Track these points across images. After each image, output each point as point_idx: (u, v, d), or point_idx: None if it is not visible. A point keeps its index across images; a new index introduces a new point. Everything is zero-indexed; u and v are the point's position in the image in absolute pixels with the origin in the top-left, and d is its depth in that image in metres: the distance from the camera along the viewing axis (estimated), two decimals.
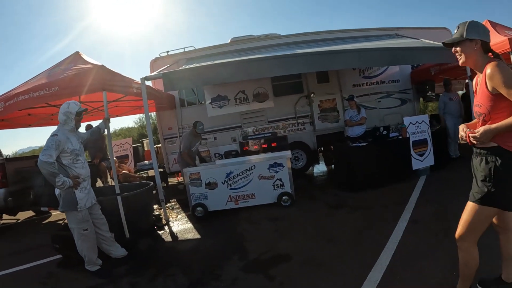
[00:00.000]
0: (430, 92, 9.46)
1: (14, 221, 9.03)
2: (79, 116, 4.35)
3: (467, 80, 8.98)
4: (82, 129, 5.00)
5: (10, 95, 5.86)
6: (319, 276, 3.50)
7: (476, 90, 2.38)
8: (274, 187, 6.14)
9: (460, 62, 2.36)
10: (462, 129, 2.42)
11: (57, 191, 4.21)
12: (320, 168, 10.27)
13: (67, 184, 4.02)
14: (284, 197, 6.10)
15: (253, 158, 6.40)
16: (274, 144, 7.44)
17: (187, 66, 7.07)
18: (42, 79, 5.84)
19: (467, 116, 8.50)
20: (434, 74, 8.71)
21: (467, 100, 8.38)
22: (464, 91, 9.53)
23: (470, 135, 2.28)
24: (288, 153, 6.30)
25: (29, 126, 8.73)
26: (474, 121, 2.50)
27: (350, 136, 7.89)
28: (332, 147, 9.54)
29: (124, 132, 33.25)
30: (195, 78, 6.27)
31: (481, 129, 2.22)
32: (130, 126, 35.44)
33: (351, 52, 6.57)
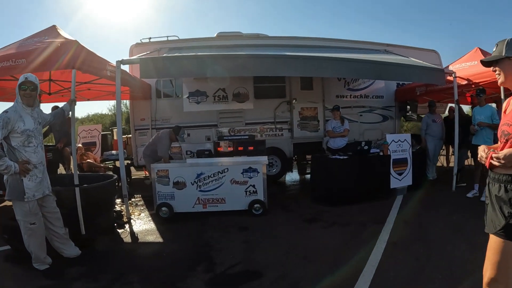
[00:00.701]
0: (410, 112, 9.36)
1: None
2: (24, 90, 3.71)
3: (451, 104, 8.95)
4: (48, 110, 4.48)
5: None
6: None
7: (506, 110, 2.14)
8: (246, 193, 5.79)
9: (499, 82, 2.15)
10: (483, 150, 2.15)
11: (5, 177, 3.68)
12: (293, 176, 10.00)
13: (12, 169, 3.51)
14: (256, 205, 5.75)
15: (227, 160, 6.02)
16: (251, 148, 7.08)
17: (168, 55, 6.67)
18: (11, 49, 5.32)
19: (447, 140, 8.44)
20: (419, 94, 8.56)
21: (448, 123, 8.31)
22: (447, 114, 9.46)
23: (493, 155, 2.01)
24: (264, 158, 5.95)
25: None
26: (495, 145, 2.24)
27: (331, 147, 7.63)
28: (309, 156, 9.37)
29: (96, 118, 32.26)
30: (175, 68, 5.85)
31: (506, 150, 1.97)
32: (103, 112, 34.41)
33: (340, 61, 6.33)
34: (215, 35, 8.97)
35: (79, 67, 4.91)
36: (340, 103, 8.70)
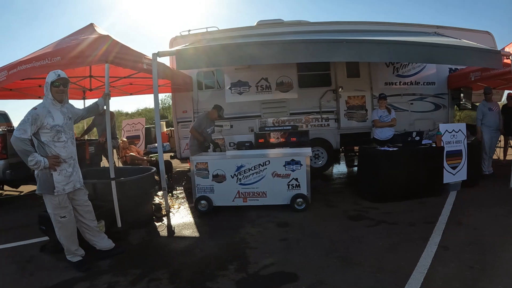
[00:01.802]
0: (464, 100, 8.70)
1: (17, 193, 8.81)
2: (56, 87, 3.71)
3: (509, 91, 8.22)
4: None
5: (14, 63, 5.57)
6: None
7: None
8: (288, 187, 5.51)
9: None
10: None
11: (35, 171, 3.69)
12: (340, 169, 9.61)
13: (41, 164, 3.50)
14: (298, 200, 5.47)
15: (269, 152, 5.77)
16: (293, 139, 6.80)
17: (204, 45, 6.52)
18: (48, 49, 5.46)
19: (505, 130, 7.75)
20: (473, 80, 7.87)
21: (506, 112, 7.62)
22: (505, 102, 8.69)
23: None
24: (308, 150, 5.65)
25: (39, 98, 8.44)
26: None
27: (378, 138, 7.22)
28: (357, 148, 8.93)
29: (145, 112, 33.18)
30: (211, 58, 5.65)
31: None
32: (152, 106, 35.30)
33: (388, 44, 5.81)
34: (255, 23, 8.74)
35: (112, 61, 4.89)
36: (388, 90, 8.26)
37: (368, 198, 5.94)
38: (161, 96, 32.78)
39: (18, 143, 3.41)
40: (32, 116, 3.49)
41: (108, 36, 4.87)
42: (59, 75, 3.73)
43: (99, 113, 5.00)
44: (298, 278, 3.33)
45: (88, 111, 4.40)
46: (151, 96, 7.52)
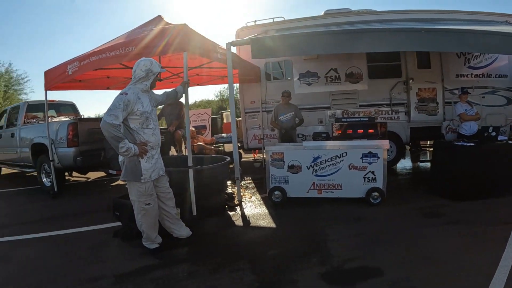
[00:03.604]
0: None
1: (85, 179, 9.16)
2: (156, 75, 3.84)
3: None
4: None
5: (86, 54, 5.72)
6: None
7: None
8: (364, 180, 5.33)
9: None
10: None
11: (120, 158, 3.74)
12: (405, 164, 9.25)
13: (132, 151, 3.52)
14: (374, 193, 5.27)
15: (346, 144, 5.58)
16: (371, 131, 6.58)
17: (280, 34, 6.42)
18: (120, 39, 5.57)
19: None
20: None
21: None
22: None
23: None
24: (386, 142, 5.42)
25: (107, 88, 8.78)
26: None
27: (466, 134, 6.80)
28: (423, 142, 8.54)
29: (203, 104, 33.93)
30: (288, 47, 5.57)
31: None
32: (210, 98, 35.98)
33: (464, 33, 5.40)
34: (322, 13, 8.54)
35: (191, 50, 4.90)
36: (460, 83, 7.79)
37: (443, 194, 5.62)
38: (220, 87, 33.30)
39: (109, 128, 3.42)
40: (124, 102, 3.50)
41: (185, 25, 4.85)
42: (160, 66, 3.82)
43: (177, 101, 5.01)
44: (383, 273, 3.20)
45: (167, 97, 4.39)
46: (209, 88, 7.56)
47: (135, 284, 3.29)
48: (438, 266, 3.31)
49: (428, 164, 8.30)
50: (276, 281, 3.20)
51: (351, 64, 8.07)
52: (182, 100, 5.00)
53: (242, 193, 6.08)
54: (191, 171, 4.61)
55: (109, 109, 3.49)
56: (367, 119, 7.10)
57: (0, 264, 3.98)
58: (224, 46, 5.78)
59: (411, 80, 7.90)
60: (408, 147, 9.08)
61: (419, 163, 9.20)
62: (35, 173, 8.07)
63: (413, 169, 8.65)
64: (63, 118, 8.25)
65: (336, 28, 6.30)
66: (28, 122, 8.49)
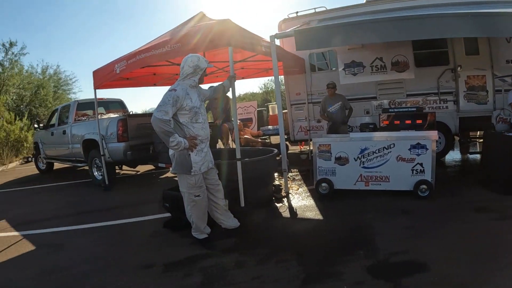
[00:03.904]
0: None
1: (134, 172, 9.49)
2: (205, 73, 3.92)
3: None
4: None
5: (132, 53, 5.93)
6: None
7: None
8: (412, 172, 5.17)
9: None
10: None
11: (170, 151, 3.84)
12: (454, 156, 8.93)
13: (182, 145, 3.60)
14: (422, 186, 5.09)
15: (394, 135, 5.44)
16: (419, 121, 6.38)
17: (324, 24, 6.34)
18: (165, 37, 5.69)
19: None
20: None
21: None
22: None
23: None
24: (434, 133, 5.23)
25: (154, 85, 9.00)
26: None
27: None
28: (473, 133, 8.17)
29: (248, 97, 33.93)
30: (332, 37, 5.49)
31: None
32: (254, 91, 36.18)
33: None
34: (364, 1, 8.35)
35: (236, 44, 4.94)
36: (510, 69, 7.39)
37: (494, 188, 5.33)
38: (264, 80, 33.44)
39: (160, 124, 3.51)
40: (173, 98, 3.58)
41: (229, 20, 4.89)
42: (207, 61, 3.88)
43: (224, 95, 5.09)
44: (429, 268, 3.10)
45: (215, 91, 4.49)
46: (253, 81, 7.63)
47: (184, 273, 3.40)
48: (487, 263, 3.17)
49: (478, 156, 7.95)
50: (321, 272, 3.20)
51: (396, 53, 7.84)
52: (229, 94, 5.05)
53: (289, 185, 6.09)
54: (239, 164, 4.68)
55: (159, 105, 3.59)
56: (414, 109, 6.88)
57: (56, 252, 4.27)
58: (268, 39, 5.77)
59: (459, 68, 7.57)
60: (457, 138, 8.75)
61: (468, 154, 8.84)
62: (87, 168, 8.43)
63: (462, 161, 8.32)
64: (112, 115, 8.54)
65: (380, 16, 6.13)
66: (78, 120, 8.88)
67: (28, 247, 4.53)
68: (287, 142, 9.56)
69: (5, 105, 16.83)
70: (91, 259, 3.93)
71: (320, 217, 4.76)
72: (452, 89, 7.70)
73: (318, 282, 3.03)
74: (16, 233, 5.12)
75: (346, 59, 8.17)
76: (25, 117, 16.81)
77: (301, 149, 10.71)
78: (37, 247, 4.51)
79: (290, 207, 5.18)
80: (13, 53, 20.45)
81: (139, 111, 14.63)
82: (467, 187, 5.66)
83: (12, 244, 4.67)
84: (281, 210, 5.09)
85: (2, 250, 4.46)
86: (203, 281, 3.21)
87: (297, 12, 8.44)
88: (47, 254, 4.23)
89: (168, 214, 4.93)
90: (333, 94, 7.26)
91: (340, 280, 3.02)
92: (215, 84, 6.31)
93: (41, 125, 10.45)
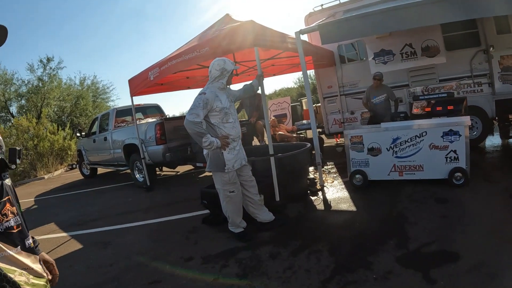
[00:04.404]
0: None
1: (174, 173, 9.82)
2: (232, 74, 4.11)
3: None
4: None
5: (164, 60, 6.19)
6: None
7: None
8: (446, 160, 5.09)
9: None
10: None
11: (205, 151, 4.07)
12: (494, 141, 8.69)
13: (214, 144, 3.81)
14: (457, 174, 4.99)
15: (425, 122, 5.38)
16: (450, 108, 6.28)
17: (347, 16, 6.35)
18: (194, 42, 5.95)
19: None
20: None
21: None
22: None
23: None
24: (467, 119, 5.12)
25: (188, 88, 9.25)
26: None
27: None
28: None
29: (283, 92, 34.11)
30: (357, 28, 5.53)
31: None
32: (289, 86, 36.26)
33: None
34: None
35: (260, 44, 5.06)
36: None
37: None
38: (298, 74, 33.49)
39: (192, 126, 3.73)
40: (203, 101, 3.79)
41: (252, 21, 5.01)
42: (234, 63, 4.07)
43: (253, 94, 5.24)
44: (460, 257, 3.09)
45: (244, 91, 4.65)
46: (288, 76, 7.73)
47: (221, 264, 3.60)
48: None
49: None
50: (352, 262, 3.29)
51: (426, 37, 7.69)
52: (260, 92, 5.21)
53: (324, 178, 6.17)
54: (272, 159, 4.81)
55: (191, 109, 3.82)
56: (445, 94, 6.75)
57: (103, 249, 4.61)
58: (294, 35, 5.86)
59: (491, 48, 7.31)
60: (495, 122, 8.50)
61: (509, 139, 8.58)
62: (128, 171, 8.81)
63: (502, 146, 8.09)
64: (149, 120, 8.89)
65: (403, 2, 6.08)
66: (118, 126, 9.28)
67: (76, 246, 4.91)
68: (323, 136, 9.62)
69: (47, 117, 17.69)
70: (135, 254, 4.24)
71: (353, 208, 4.82)
72: (486, 71, 7.44)
73: (348, 271, 3.12)
74: (64, 234, 5.53)
75: (375, 48, 8.13)
76: (67, 127, 17.58)
77: (337, 141, 10.72)
78: (84, 245, 4.88)
79: (325, 200, 5.26)
80: (51, 68, 21.37)
81: (177, 114, 14.98)
82: (506, 174, 5.49)
83: (61, 244, 5.06)
84: (315, 203, 5.19)
85: (51, 250, 4.83)
86: (238, 272, 3.39)
87: (322, 5, 8.50)
88: (94, 251, 4.57)
89: (206, 211, 5.17)
90: (379, 85, 7.25)
91: (370, 270, 3.10)
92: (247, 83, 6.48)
93: (83, 133, 11.03)
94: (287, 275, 3.23)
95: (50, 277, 1.70)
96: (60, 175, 14.08)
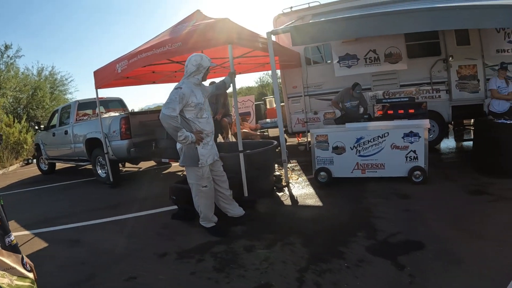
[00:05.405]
0: None
1: (136, 169, 9.64)
2: (208, 71, 4.16)
3: None
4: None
5: (134, 52, 6.06)
6: (455, 273, 2.85)
7: None
8: (406, 159, 5.41)
9: None
10: None
11: (178, 145, 4.10)
12: (448, 143, 9.15)
13: (189, 139, 3.83)
14: (416, 172, 5.35)
15: (388, 124, 5.69)
16: (411, 111, 6.62)
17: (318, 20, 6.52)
18: (165, 36, 5.86)
19: None
20: None
21: None
22: None
23: None
24: (426, 122, 5.48)
25: (153, 82, 9.16)
26: None
27: (495, 111, 6.67)
28: (467, 121, 8.35)
29: (244, 91, 34.01)
30: (328, 32, 5.69)
31: None
32: (250, 85, 36.33)
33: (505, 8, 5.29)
34: None
35: (235, 42, 5.12)
36: (501, 59, 7.52)
37: (486, 173, 5.56)
38: (260, 74, 33.57)
39: (168, 120, 3.73)
40: (179, 95, 3.80)
41: (227, 19, 5.06)
42: (210, 60, 4.12)
43: (225, 91, 5.28)
44: (424, 246, 3.35)
45: (217, 88, 4.73)
46: (249, 75, 7.80)
47: (196, 259, 3.61)
48: (479, 240, 3.38)
49: (471, 143, 8.16)
50: (324, 253, 3.43)
51: (389, 44, 8.04)
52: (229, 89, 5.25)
53: (289, 175, 6.32)
54: (241, 156, 4.89)
55: (167, 103, 3.81)
56: (407, 99, 7.10)
57: (72, 247, 4.42)
58: (264, 35, 5.95)
59: (450, 58, 7.78)
60: (451, 126, 8.97)
61: (462, 142, 9.06)
62: (89, 166, 8.59)
63: (457, 148, 8.55)
64: (112, 114, 8.70)
65: (375, 10, 6.31)
66: (80, 120, 9.01)
67: (42, 244, 4.60)
68: (285, 135, 9.78)
69: (3, 108, 16.88)
70: (107, 251, 4.12)
71: (320, 203, 5.00)
72: (445, 79, 7.91)
73: (322, 261, 3.26)
74: (27, 232, 5.14)
75: (340, 52, 8.39)
76: (23, 120, 16.85)
77: (298, 140, 10.92)
78: (50, 244, 4.60)
79: (291, 196, 5.41)
80: (8, 56, 20.43)
81: (139, 109, 14.68)
82: (462, 172, 5.89)
83: (25, 243, 4.70)
84: (282, 199, 5.33)
85: None
86: (215, 266, 3.43)
87: (291, 7, 8.67)
88: (63, 250, 4.35)
89: (175, 207, 5.14)
90: (351, 95, 7.53)
91: (342, 259, 3.26)
92: (216, 80, 6.48)
93: (41, 126, 10.55)
94: (264, 266, 3.31)
95: (36, 276, 1.58)
96: (15, 171, 13.43)
